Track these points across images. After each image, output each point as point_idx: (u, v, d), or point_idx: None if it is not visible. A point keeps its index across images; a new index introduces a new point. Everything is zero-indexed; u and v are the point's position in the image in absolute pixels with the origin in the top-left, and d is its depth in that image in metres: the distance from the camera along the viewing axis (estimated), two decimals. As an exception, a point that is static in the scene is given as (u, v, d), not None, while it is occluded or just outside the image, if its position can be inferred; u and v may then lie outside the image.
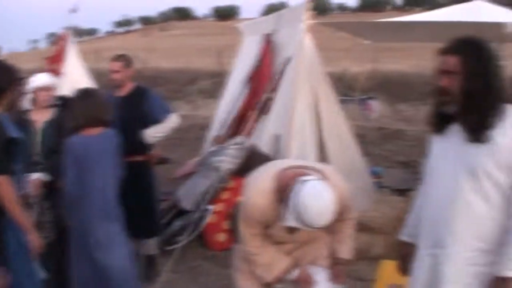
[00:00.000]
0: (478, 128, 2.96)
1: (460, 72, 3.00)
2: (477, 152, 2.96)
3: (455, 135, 3.09)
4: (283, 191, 3.57)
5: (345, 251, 4.12)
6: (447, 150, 3.13)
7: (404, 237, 3.64)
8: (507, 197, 2.96)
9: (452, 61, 3.03)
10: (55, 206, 5.46)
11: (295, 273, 3.98)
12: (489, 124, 2.94)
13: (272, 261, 3.96)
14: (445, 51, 3.08)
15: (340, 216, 3.83)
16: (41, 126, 5.54)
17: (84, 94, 5.20)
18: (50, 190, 5.41)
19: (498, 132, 2.92)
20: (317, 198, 3.34)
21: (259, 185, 3.79)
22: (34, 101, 5.63)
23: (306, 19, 6.95)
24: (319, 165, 4.06)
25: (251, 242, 3.91)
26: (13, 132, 4.02)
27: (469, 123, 3.00)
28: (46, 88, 5.57)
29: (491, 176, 2.94)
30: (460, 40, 3.08)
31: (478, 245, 3.02)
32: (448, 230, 3.08)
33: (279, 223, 3.66)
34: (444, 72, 3.07)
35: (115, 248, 5.01)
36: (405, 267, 3.63)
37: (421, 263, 3.29)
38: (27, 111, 5.61)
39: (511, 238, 2.88)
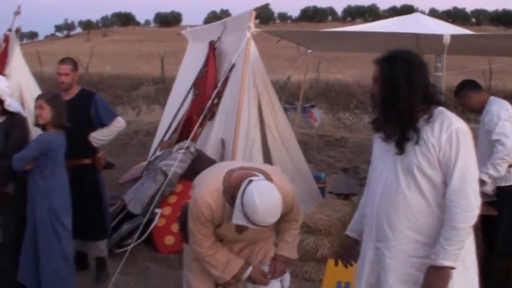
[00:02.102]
0: (398, 142, 3.20)
1: (378, 79, 3.26)
2: (412, 151, 3.16)
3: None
4: (231, 191, 3.70)
5: (289, 250, 4.23)
6: (387, 150, 3.31)
7: (348, 232, 3.82)
8: (441, 193, 3.15)
9: (375, 70, 3.29)
10: (2, 211, 5.43)
11: (249, 271, 4.09)
12: (405, 136, 3.17)
13: (228, 260, 4.06)
14: (374, 61, 3.33)
15: (285, 217, 3.97)
16: None
17: (55, 96, 5.35)
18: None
19: (428, 133, 3.13)
20: (264, 197, 3.47)
21: (208, 185, 3.89)
22: None
23: (251, 27, 7.08)
24: (266, 167, 4.20)
25: (203, 243, 3.99)
26: None
27: (390, 135, 3.24)
28: None
29: (425, 173, 3.14)
30: (386, 51, 3.32)
31: (417, 238, 3.20)
32: (389, 224, 3.26)
33: (228, 222, 3.78)
34: (372, 79, 3.33)
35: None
36: (345, 258, 3.82)
37: (365, 256, 3.45)
38: None
39: (445, 230, 3.05)
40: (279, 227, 4.16)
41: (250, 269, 4.10)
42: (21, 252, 5.31)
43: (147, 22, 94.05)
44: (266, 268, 4.18)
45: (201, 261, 4.11)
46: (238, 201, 3.54)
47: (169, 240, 6.98)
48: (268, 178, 3.77)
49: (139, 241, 6.64)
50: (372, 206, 3.39)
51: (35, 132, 5.69)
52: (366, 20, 68.11)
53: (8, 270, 5.48)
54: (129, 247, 6.24)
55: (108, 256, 6.39)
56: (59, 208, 5.21)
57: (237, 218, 3.56)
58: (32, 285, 5.29)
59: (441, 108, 3.21)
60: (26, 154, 5.02)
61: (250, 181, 3.56)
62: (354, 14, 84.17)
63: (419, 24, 8.13)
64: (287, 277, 4.32)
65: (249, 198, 3.46)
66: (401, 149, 3.19)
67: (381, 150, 3.39)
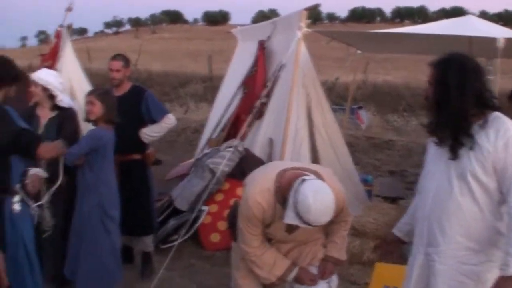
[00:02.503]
0: (451, 146, 3.16)
1: (432, 82, 3.26)
2: (466, 156, 3.12)
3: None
4: (283, 191, 3.69)
5: (338, 251, 4.21)
6: (440, 154, 3.27)
7: (394, 230, 3.80)
8: (495, 200, 3.10)
9: (430, 72, 3.29)
10: (53, 202, 5.52)
11: (296, 272, 4.07)
12: (458, 140, 3.13)
13: (275, 261, 4.05)
14: (429, 63, 3.32)
15: (335, 218, 3.94)
16: (44, 122, 5.58)
17: (106, 92, 5.44)
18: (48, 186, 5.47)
19: (483, 138, 3.09)
20: (318, 197, 3.46)
21: (259, 185, 3.89)
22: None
23: (302, 27, 7.04)
24: (317, 167, 4.18)
25: (252, 242, 3.99)
26: (22, 123, 4.09)
27: (443, 140, 3.21)
28: (38, 85, 5.56)
29: (479, 180, 3.10)
30: (442, 54, 3.31)
31: (468, 244, 3.17)
32: (440, 229, 3.22)
33: (278, 222, 3.77)
34: (427, 82, 3.32)
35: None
36: (384, 253, 3.90)
37: (415, 261, 3.42)
38: (33, 106, 5.65)
39: (510, 237, 2.99)
40: (328, 228, 4.13)
41: (296, 270, 4.08)
42: (68, 246, 5.41)
43: (195, 21, 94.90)
44: (314, 270, 4.16)
45: (247, 260, 4.11)
46: (290, 200, 3.52)
47: (215, 237, 7.01)
48: (320, 178, 3.75)
49: (185, 237, 6.68)
50: (424, 211, 3.36)
51: (85, 127, 5.77)
52: (415, 22, 67.42)
53: (55, 262, 5.58)
54: (175, 243, 6.28)
55: (153, 251, 6.44)
56: (108, 203, 5.28)
57: (290, 218, 3.55)
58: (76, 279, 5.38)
59: (496, 113, 3.16)
60: (78, 150, 5.09)
61: (304, 180, 3.55)
62: (403, 15, 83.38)
63: (471, 27, 8.00)
64: (334, 278, 4.29)
65: (302, 197, 3.45)
66: (454, 154, 3.14)
67: (435, 154, 3.35)
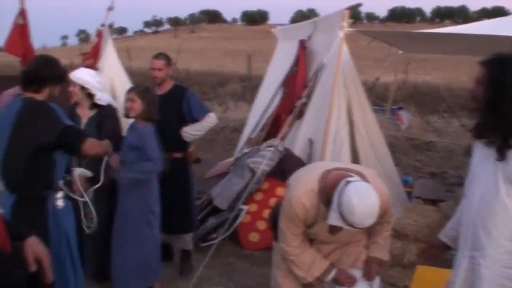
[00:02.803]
0: (499, 147, 3.11)
1: (483, 81, 3.18)
2: None
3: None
4: (327, 192, 3.66)
5: (381, 252, 4.18)
6: (487, 156, 3.22)
7: (441, 235, 3.76)
8: None
9: (481, 71, 3.22)
10: (97, 200, 5.60)
11: (334, 273, 4.05)
12: (507, 142, 3.09)
13: (313, 262, 4.04)
14: (480, 62, 3.26)
15: (379, 219, 3.90)
16: (85, 121, 5.65)
17: (146, 89, 5.46)
18: (92, 185, 5.54)
19: None
20: (362, 199, 3.43)
21: (303, 185, 3.87)
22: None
23: (344, 27, 7.00)
24: (361, 168, 4.14)
25: (292, 242, 3.99)
26: (67, 120, 4.15)
27: (491, 141, 3.15)
28: (76, 85, 5.62)
29: None
30: (494, 53, 3.24)
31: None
32: (486, 232, 3.18)
33: (322, 222, 3.75)
34: (475, 80, 3.26)
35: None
36: (429, 257, 3.87)
37: (460, 264, 3.38)
38: (73, 106, 5.73)
39: None
40: (372, 229, 4.09)
41: (334, 272, 4.06)
42: (111, 244, 5.47)
43: (234, 20, 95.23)
44: (357, 272, 4.13)
45: (285, 259, 4.11)
46: (334, 201, 3.51)
47: (254, 237, 7.01)
48: (365, 179, 3.72)
49: (225, 236, 6.70)
50: (469, 213, 3.32)
51: (125, 123, 5.82)
52: (455, 22, 66.63)
53: (97, 259, 5.66)
54: (215, 242, 6.30)
55: (193, 250, 6.48)
56: (151, 199, 5.34)
57: (333, 219, 3.53)
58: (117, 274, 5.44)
59: None
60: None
61: (348, 181, 3.52)
62: (443, 15, 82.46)
63: (515, 27, 7.83)
64: (377, 280, 4.25)
65: (347, 199, 3.42)
66: (502, 155, 3.09)
67: (482, 156, 3.30)
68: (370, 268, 4.13)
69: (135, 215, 5.26)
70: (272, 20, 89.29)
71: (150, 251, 5.36)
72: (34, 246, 2.57)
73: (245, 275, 6.28)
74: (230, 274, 6.33)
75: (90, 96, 5.63)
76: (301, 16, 68.98)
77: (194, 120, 6.22)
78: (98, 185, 5.08)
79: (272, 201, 6.92)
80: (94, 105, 5.68)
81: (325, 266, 4.05)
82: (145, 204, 5.29)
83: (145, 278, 5.42)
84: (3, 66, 22.41)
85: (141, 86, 5.77)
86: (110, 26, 11.79)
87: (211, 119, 6.29)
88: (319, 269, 4.03)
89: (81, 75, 5.58)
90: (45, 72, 4.20)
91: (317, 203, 3.78)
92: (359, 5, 7.38)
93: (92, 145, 4.17)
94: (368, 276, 4.12)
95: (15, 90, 6.09)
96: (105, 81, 8.44)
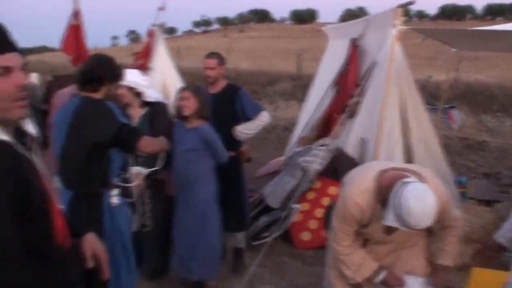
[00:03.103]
0: None
1: None
2: None
3: None
4: (383, 192, 3.63)
5: (447, 258, 4.11)
6: None
7: (497, 236, 3.70)
8: None
9: None
10: (153, 198, 5.68)
11: (384, 275, 4.02)
12: None
13: (363, 262, 4.02)
14: None
15: (440, 223, 3.85)
16: (137, 121, 5.73)
17: (200, 88, 5.58)
18: (150, 183, 5.62)
19: None
20: (419, 200, 3.37)
21: (359, 184, 3.85)
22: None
23: (397, 25, 6.93)
24: (419, 168, 4.06)
25: (343, 241, 3.98)
26: (123, 118, 4.22)
27: None
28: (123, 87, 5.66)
29: None
30: None
31: None
32: None
33: (377, 223, 3.72)
34: None
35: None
36: (484, 259, 3.86)
37: None
38: (124, 107, 5.81)
39: None
40: (436, 234, 4.04)
41: (384, 274, 4.03)
42: (175, 242, 5.58)
43: (283, 19, 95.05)
44: (412, 280, 4.06)
45: (335, 258, 4.10)
46: (391, 202, 3.47)
47: (306, 236, 7.00)
48: (422, 180, 3.66)
49: (277, 235, 6.70)
50: None
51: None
52: (507, 19, 65.18)
53: (153, 257, 5.74)
54: (267, 240, 6.33)
55: (245, 248, 6.52)
56: (216, 194, 5.54)
57: (390, 220, 3.50)
58: (186, 274, 5.54)
59: None
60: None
61: (405, 182, 3.48)
62: (495, 12, 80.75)
63: None
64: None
65: (403, 200, 3.38)
66: None
67: None
68: (437, 276, 4.09)
69: (208, 207, 5.46)
70: (321, 18, 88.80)
71: (219, 243, 5.54)
72: (92, 243, 2.62)
73: (296, 274, 6.28)
74: (282, 273, 6.34)
75: (139, 94, 5.71)
76: (350, 15, 68.51)
77: (247, 119, 6.24)
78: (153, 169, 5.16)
79: (324, 200, 6.91)
80: (144, 103, 5.77)
81: (375, 267, 4.03)
82: (212, 197, 5.45)
83: (208, 272, 5.55)
84: (57, 66, 22.85)
85: (194, 85, 5.83)
86: (161, 26, 11.95)
87: (264, 118, 6.30)
88: (369, 270, 4.02)
89: (129, 77, 5.66)
90: (102, 71, 4.26)
91: (373, 203, 3.75)
92: (411, 2, 7.29)
93: (147, 143, 4.22)
94: (435, 284, 4.08)
95: (69, 89, 6.24)
96: (157, 80, 8.56)
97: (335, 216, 4.02)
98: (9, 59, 2.16)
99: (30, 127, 2.40)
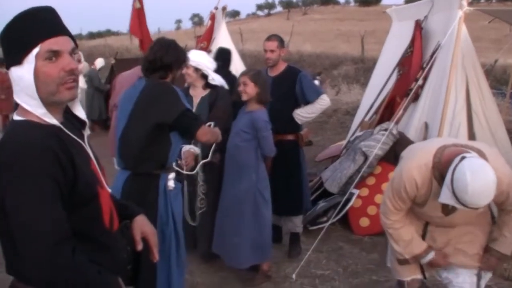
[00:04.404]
0: None
1: None
2: None
3: None
4: (441, 168, 3.47)
5: (505, 245, 3.84)
6: None
7: None
8: None
9: None
10: (209, 179, 5.69)
11: (432, 255, 3.88)
12: None
13: (412, 239, 3.88)
14: None
15: (504, 206, 3.67)
16: (198, 101, 5.74)
17: (258, 73, 5.51)
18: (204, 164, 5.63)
19: None
20: (477, 176, 3.17)
21: (417, 159, 3.69)
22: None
23: (464, 6, 6.71)
24: (482, 146, 3.77)
25: (392, 215, 3.85)
26: (186, 104, 4.21)
27: None
28: (190, 67, 5.68)
29: None
30: None
31: None
32: None
33: (433, 200, 3.58)
34: None
35: None
36: None
37: None
38: (187, 87, 5.84)
39: None
40: (499, 219, 3.86)
41: (432, 254, 3.88)
42: (215, 224, 5.59)
43: (347, 1, 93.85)
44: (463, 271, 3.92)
45: (384, 230, 3.99)
46: (448, 178, 3.30)
47: (364, 222, 6.90)
48: (483, 158, 3.44)
49: (334, 220, 6.62)
50: None
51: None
52: None
53: (206, 239, 5.75)
54: (324, 225, 6.25)
55: (301, 232, 6.46)
56: (263, 180, 5.43)
57: (445, 197, 3.34)
58: (225, 254, 5.56)
59: None
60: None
61: (463, 157, 3.30)
62: None
63: None
64: (489, 273, 4.03)
65: (460, 176, 3.21)
66: None
67: None
68: (490, 261, 3.89)
69: (248, 197, 5.35)
70: (385, 0, 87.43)
71: (266, 229, 5.47)
72: (142, 225, 2.60)
73: (353, 260, 6.19)
74: (338, 258, 6.25)
75: (204, 77, 5.71)
76: (416, -4, 67.17)
77: (307, 102, 6.16)
78: (206, 160, 5.15)
79: (385, 186, 6.77)
80: (207, 86, 5.77)
81: (424, 246, 3.89)
82: (259, 184, 5.37)
83: (258, 257, 5.52)
84: (120, 49, 23.20)
85: (253, 69, 5.80)
86: (223, 9, 12.01)
87: (324, 101, 6.20)
88: (418, 248, 3.88)
89: (195, 57, 5.65)
90: (170, 58, 4.24)
91: (430, 179, 3.59)
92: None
93: (205, 132, 4.20)
94: (485, 268, 3.90)
95: (131, 72, 6.28)
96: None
97: (388, 189, 3.88)
98: (58, 42, 2.14)
99: (81, 111, 2.40)
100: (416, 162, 3.67)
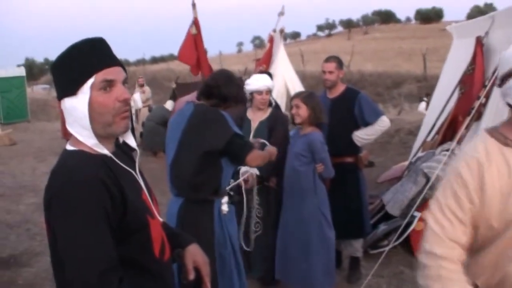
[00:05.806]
0: None
1: None
2: None
3: None
4: (503, 128, 3.03)
5: None
6: None
7: None
8: None
9: None
10: (265, 203, 5.66)
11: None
12: None
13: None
14: None
15: None
16: (256, 125, 5.74)
17: (310, 95, 5.47)
18: (262, 186, 5.61)
19: None
20: None
21: (471, 143, 2.67)
22: (251, 101, 5.84)
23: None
24: None
25: (439, 243, 2.43)
26: (236, 128, 4.20)
27: None
28: (260, 92, 5.72)
29: None
30: None
31: None
32: None
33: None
34: None
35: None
36: None
37: None
38: (245, 109, 5.86)
39: None
40: None
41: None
42: (277, 250, 5.54)
43: (408, 19, 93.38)
44: None
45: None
46: None
47: (428, 245, 6.69)
48: None
49: (396, 243, 6.48)
50: None
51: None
52: None
53: (264, 263, 5.70)
54: (385, 249, 6.12)
55: (362, 256, 6.35)
56: (324, 202, 5.39)
57: None
58: (293, 280, 5.48)
59: None
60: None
61: None
62: None
63: None
64: None
65: None
66: None
67: None
68: None
69: (313, 221, 5.31)
70: (447, 17, 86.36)
71: (331, 253, 5.43)
72: (194, 254, 2.58)
73: (414, 285, 5.98)
74: (399, 283, 6.11)
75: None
76: (478, 12, 65.89)
77: (366, 123, 6.07)
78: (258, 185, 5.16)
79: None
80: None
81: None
82: (318, 208, 5.33)
83: (329, 282, 5.46)
84: (183, 73, 23.54)
85: (306, 91, 5.80)
86: (281, 31, 12.05)
87: (383, 123, 6.10)
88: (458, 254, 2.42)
89: (266, 81, 5.77)
90: (230, 91, 4.28)
91: (497, 151, 2.39)
92: (541, -3, 6.87)
93: (255, 157, 4.16)
94: None
95: (190, 96, 6.36)
96: (278, 86, 8.63)
97: (434, 202, 2.58)
98: (112, 72, 2.16)
99: (131, 138, 2.41)
100: (472, 144, 2.50)
